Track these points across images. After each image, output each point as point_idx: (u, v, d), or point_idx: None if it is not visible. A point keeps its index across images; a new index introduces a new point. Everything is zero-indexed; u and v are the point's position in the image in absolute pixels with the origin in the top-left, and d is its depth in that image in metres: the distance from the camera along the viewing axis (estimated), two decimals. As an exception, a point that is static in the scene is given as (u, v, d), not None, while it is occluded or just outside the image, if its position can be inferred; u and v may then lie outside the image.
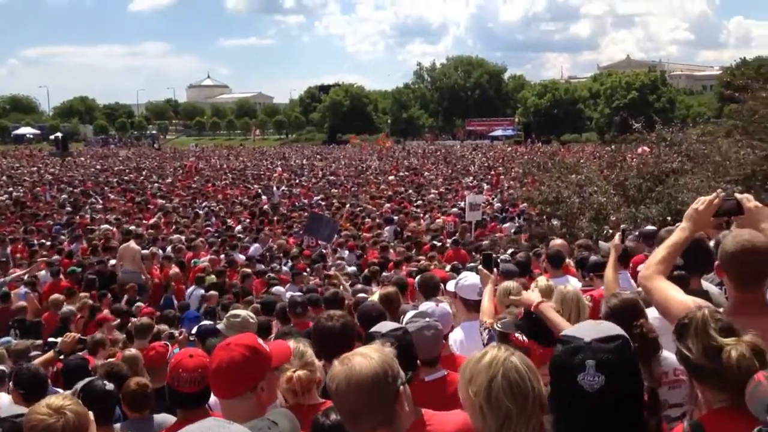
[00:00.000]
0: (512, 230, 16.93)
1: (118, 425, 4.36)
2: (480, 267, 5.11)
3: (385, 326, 3.45)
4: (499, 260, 6.83)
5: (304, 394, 3.32)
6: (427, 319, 3.78)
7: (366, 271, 12.45)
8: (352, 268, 13.70)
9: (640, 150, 17.20)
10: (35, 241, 16.75)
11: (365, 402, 2.17)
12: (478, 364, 2.26)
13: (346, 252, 15.56)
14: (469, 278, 5.29)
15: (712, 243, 6.51)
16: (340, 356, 2.33)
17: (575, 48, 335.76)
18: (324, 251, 15.39)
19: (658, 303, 3.08)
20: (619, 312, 3.60)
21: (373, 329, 3.41)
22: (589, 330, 2.09)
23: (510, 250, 12.13)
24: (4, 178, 36.16)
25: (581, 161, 18.72)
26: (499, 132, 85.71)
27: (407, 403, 2.30)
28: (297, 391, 3.30)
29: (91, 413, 3.04)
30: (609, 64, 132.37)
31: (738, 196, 3.32)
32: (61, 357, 6.15)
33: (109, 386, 4.01)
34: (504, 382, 2.19)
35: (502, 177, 32.22)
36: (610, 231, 11.75)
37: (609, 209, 13.81)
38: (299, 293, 8.60)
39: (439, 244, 15.20)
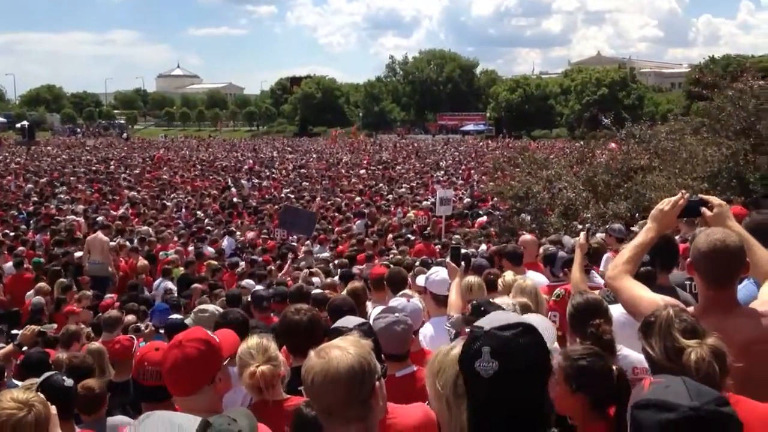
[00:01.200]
0: (483, 225, 17.00)
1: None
2: (448, 261, 5.10)
3: (350, 321, 3.44)
4: (470, 255, 6.86)
5: (268, 390, 3.27)
6: (397, 315, 3.77)
7: (337, 261, 12.43)
8: (324, 254, 13.63)
9: (609, 146, 17.38)
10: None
11: (341, 396, 2.14)
12: (445, 358, 2.27)
13: (317, 246, 15.49)
14: (440, 273, 5.28)
15: (677, 238, 6.61)
16: (307, 350, 2.30)
17: (546, 43, 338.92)
18: (294, 244, 15.30)
19: (625, 302, 3.10)
20: (582, 311, 3.64)
21: (336, 324, 3.39)
22: (491, 319, 2.08)
23: (483, 245, 12.18)
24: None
25: (551, 157, 18.86)
26: (470, 127, 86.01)
27: (382, 398, 2.27)
28: (261, 387, 3.25)
29: (53, 407, 3.00)
30: (579, 60, 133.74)
31: (703, 196, 3.37)
32: (23, 349, 6.05)
33: (69, 382, 3.93)
34: None
35: (473, 172, 32.36)
36: (579, 226, 11.85)
37: (578, 205, 13.93)
38: (262, 287, 8.54)
39: (412, 238, 15.16)
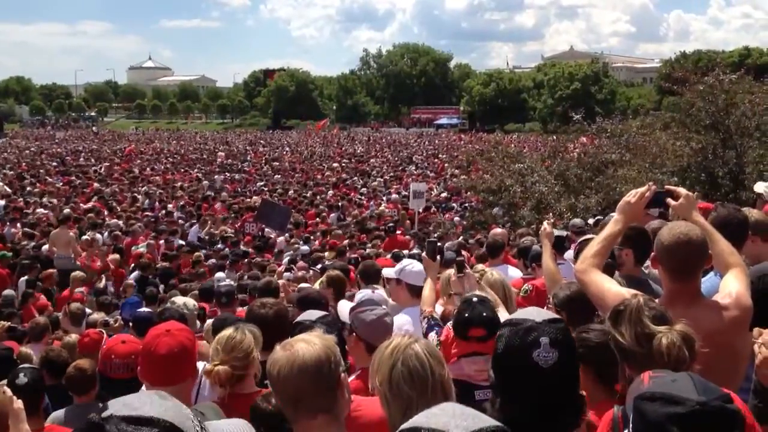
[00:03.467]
0: (455, 218, 17.05)
1: (60, 412, 4.24)
2: (424, 255, 5.09)
3: (312, 314, 3.41)
4: (444, 249, 6.85)
5: (230, 387, 3.25)
6: (384, 307, 3.77)
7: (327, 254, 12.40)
8: (304, 247, 13.54)
9: (581, 141, 17.51)
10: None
11: (307, 387, 2.15)
12: (383, 354, 2.32)
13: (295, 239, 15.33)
14: (417, 265, 5.29)
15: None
16: (274, 344, 2.31)
17: (520, 38, 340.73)
18: (270, 238, 15.19)
19: (593, 295, 3.11)
20: (570, 302, 3.63)
21: (300, 317, 3.37)
22: (535, 313, 2.16)
23: (460, 238, 12.20)
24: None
25: (524, 151, 18.96)
26: (444, 120, 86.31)
27: (348, 390, 2.27)
28: (220, 384, 3.22)
29: (19, 402, 2.98)
30: (552, 54, 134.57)
31: (669, 187, 3.39)
32: None
33: (21, 380, 3.89)
34: (404, 369, 2.25)
35: (447, 165, 32.43)
36: (551, 220, 11.92)
37: (550, 198, 14.02)
38: (226, 283, 8.46)
39: (391, 229, 15.06)
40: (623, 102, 74.72)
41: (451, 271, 5.35)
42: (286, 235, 15.25)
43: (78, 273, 11.52)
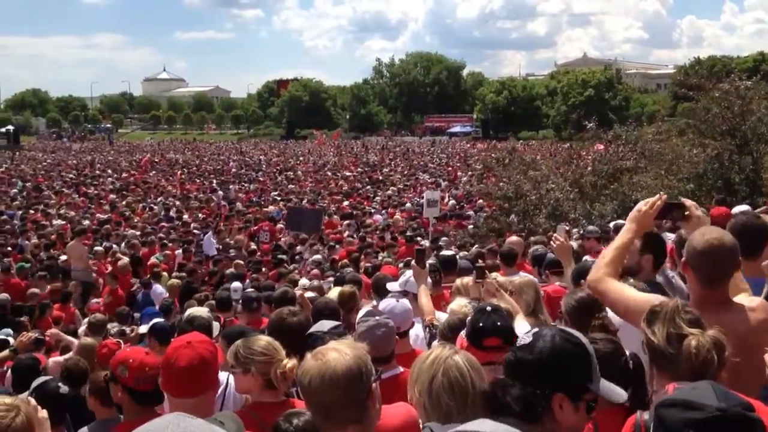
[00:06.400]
0: (470, 226, 16.98)
1: (84, 429, 4.19)
2: (413, 263, 5.07)
3: (324, 325, 3.42)
4: (454, 258, 6.85)
5: (283, 386, 3.31)
6: (377, 318, 3.77)
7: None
8: (317, 257, 13.50)
9: (596, 148, 17.45)
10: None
11: (338, 398, 2.14)
12: (422, 365, 2.33)
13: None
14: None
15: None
16: (300, 352, 2.31)
17: (532, 46, 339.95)
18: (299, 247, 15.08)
19: (614, 303, 3.10)
20: (585, 305, 3.62)
21: (312, 329, 3.38)
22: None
23: (475, 247, 12.15)
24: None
25: (538, 158, 18.92)
26: (457, 128, 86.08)
27: (378, 401, 2.27)
28: (287, 383, 3.28)
29: (44, 412, 2.96)
30: (565, 61, 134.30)
31: (687, 202, 3.39)
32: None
33: (64, 389, 3.93)
34: (444, 380, 2.25)
35: (460, 174, 32.39)
36: (567, 227, 11.88)
37: (565, 206, 13.97)
38: (251, 289, 8.49)
39: (410, 238, 14.98)
40: (637, 108, 74.28)
41: (466, 279, 5.35)
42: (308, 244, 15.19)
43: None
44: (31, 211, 20.88)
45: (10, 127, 67.32)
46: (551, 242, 5.51)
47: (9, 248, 14.78)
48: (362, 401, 2.18)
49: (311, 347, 2.43)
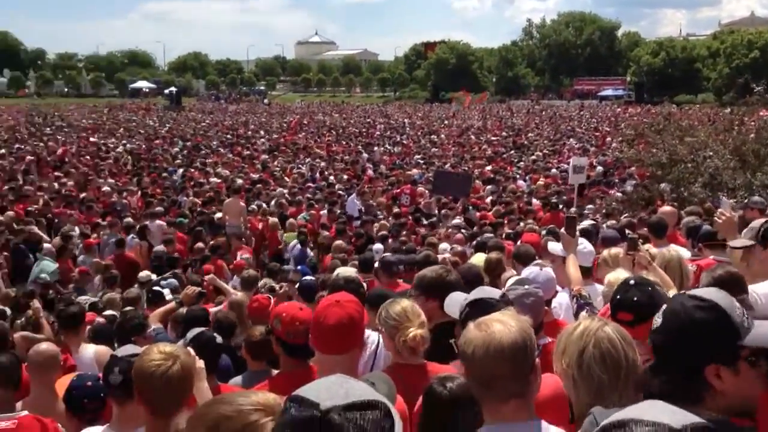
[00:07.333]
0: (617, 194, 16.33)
1: (238, 378, 4.49)
2: (562, 231, 4.91)
3: (486, 291, 3.33)
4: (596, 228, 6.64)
5: (416, 353, 3.36)
6: (527, 287, 3.69)
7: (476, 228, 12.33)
8: (458, 220, 13.42)
9: (761, 114, 16.27)
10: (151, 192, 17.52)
11: (502, 371, 2.12)
12: (570, 336, 2.27)
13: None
14: (587, 245, 5.17)
15: None
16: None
17: (694, 4, 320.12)
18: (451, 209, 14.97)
19: None
20: (727, 282, 3.40)
21: (476, 295, 3.25)
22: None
23: (624, 216, 11.70)
24: (121, 130, 37.78)
25: (696, 124, 17.86)
26: (608, 92, 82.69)
27: (539, 375, 2.23)
28: (417, 349, 3.32)
29: (201, 361, 3.16)
30: (730, 21, 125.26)
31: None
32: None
33: (219, 339, 4.17)
34: (595, 352, 2.19)
35: (609, 139, 31.15)
36: (724, 198, 11.16)
37: (724, 175, 13.12)
38: (389, 253, 8.59)
39: (554, 205, 14.61)
40: (812, 71, 68.37)
41: (615, 250, 5.16)
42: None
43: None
44: (191, 170, 22.17)
45: (173, 89, 71.50)
46: (715, 217, 5.19)
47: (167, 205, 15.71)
48: (526, 375, 2.15)
49: (482, 313, 2.40)
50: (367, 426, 1.36)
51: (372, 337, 3.88)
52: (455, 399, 2.59)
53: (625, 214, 11.91)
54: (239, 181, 18.71)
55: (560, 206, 14.26)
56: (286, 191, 17.55)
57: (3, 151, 25.52)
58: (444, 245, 10.30)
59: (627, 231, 8.15)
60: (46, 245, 11.80)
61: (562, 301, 4.85)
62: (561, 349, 2.28)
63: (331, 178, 20.91)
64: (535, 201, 15.89)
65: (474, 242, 10.19)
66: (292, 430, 1.38)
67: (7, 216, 13.38)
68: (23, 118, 46.88)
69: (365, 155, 27.33)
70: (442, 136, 36.21)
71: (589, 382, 2.17)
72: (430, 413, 2.77)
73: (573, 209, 13.50)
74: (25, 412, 3.80)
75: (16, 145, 28.44)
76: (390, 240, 12.01)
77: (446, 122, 46.75)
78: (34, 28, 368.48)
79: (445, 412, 2.60)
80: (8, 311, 7.50)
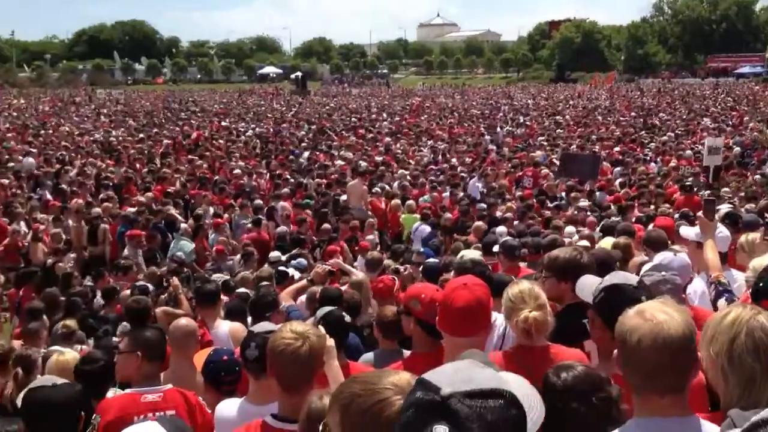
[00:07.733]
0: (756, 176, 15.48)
1: (369, 354, 4.63)
2: (700, 214, 4.74)
3: (629, 278, 3.28)
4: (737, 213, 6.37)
5: (537, 336, 3.30)
6: (663, 273, 3.63)
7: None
8: (583, 202, 13.14)
9: None
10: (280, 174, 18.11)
11: (666, 364, 2.07)
12: (720, 324, 2.17)
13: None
14: (723, 231, 5.01)
15: None
16: None
17: None
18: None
19: None
20: None
21: (616, 281, 3.21)
22: None
23: (764, 200, 11.13)
24: (251, 114, 39.18)
25: None
26: (746, 69, 77.82)
27: (697, 371, 2.17)
28: (530, 332, 3.27)
29: (331, 340, 3.24)
30: None
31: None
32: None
33: (348, 318, 4.29)
34: (748, 341, 2.10)
35: (747, 119, 29.41)
36: None
37: None
38: (509, 237, 8.56)
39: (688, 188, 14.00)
40: None
41: (752, 236, 4.96)
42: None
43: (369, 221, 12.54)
44: (316, 152, 22.75)
45: (299, 74, 73.33)
46: None
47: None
48: (688, 370, 2.11)
49: (618, 299, 2.38)
50: (488, 414, 1.36)
51: (500, 319, 3.88)
52: (569, 390, 2.53)
53: (765, 198, 11.31)
54: (363, 164, 19.03)
55: (695, 189, 13.65)
56: (408, 173, 17.72)
57: (142, 135, 27.11)
58: (570, 228, 10.14)
59: (766, 215, 7.78)
60: (182, 225, 12.56)
61: (696, 287, 4.72)
62: (708, 337, 2.18)
63: (454, 160, 20.91)
64: (668, 184, 15.29)
65: (600, 226, 9.99)
66: (415, 411, 1.40)
67: (148, 197, 14.33)
68: (160, 103, 49.52)
69: (488, 137, 27.10)
70: (567, 117, 35.33)
71: (740, 372, 2.09)
72: (545, 401, 2.75)
73: (707, 192, 12.93)
74: (170, 386, 3.98)
75: (154, 130, 30.05)
76: (516, 222, 11.92)
77: (571, 102, 45.57)
78: (169, 17, 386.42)
79: (558, 402, 2.48)
80: (151, 287, 8.07)
